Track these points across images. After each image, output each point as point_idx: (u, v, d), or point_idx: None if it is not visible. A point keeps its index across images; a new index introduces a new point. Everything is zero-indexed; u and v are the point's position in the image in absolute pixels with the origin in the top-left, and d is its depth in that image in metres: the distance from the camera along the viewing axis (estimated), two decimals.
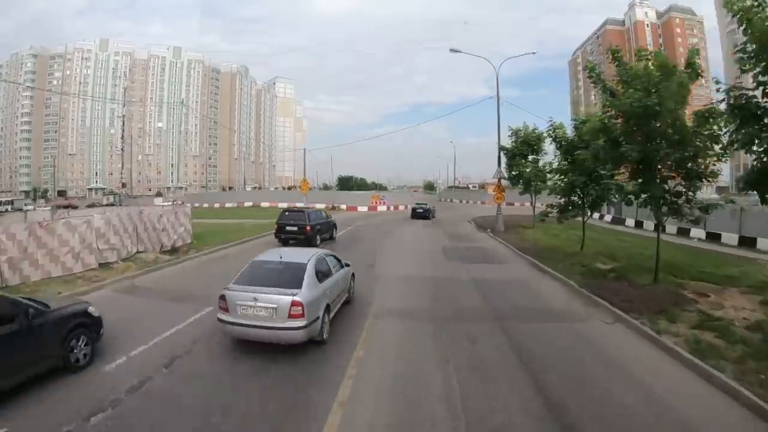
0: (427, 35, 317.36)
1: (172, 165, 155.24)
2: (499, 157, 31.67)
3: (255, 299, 8.34)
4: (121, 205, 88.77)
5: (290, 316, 8.22)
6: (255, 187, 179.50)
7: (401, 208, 57.06)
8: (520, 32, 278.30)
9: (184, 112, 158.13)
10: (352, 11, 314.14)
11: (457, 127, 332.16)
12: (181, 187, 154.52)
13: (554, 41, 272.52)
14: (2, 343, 6.59)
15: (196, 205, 61.29)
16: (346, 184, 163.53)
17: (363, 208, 56.14)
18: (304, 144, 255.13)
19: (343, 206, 56.39)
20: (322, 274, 9.80)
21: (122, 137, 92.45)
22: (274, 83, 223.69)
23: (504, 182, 33.97)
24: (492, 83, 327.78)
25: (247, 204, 63.61)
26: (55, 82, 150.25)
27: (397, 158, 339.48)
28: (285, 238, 23.19)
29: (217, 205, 62.36)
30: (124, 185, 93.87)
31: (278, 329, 8.26)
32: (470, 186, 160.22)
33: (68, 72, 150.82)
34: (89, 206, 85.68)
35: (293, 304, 8.23)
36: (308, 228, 22.67)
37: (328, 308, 9.40)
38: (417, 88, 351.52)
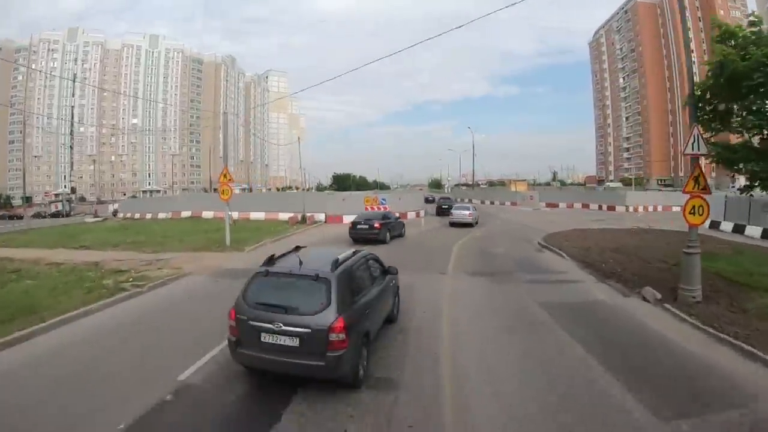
0: (428, 33, 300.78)
1: (149, 166, 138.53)
2: (694, 109, 12.57)
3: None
4: (68, 214, 73.20)
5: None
6: (244, 189, 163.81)
7: (410, 215, 37.30)
8: (521, 28, 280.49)
9: (162, 106, 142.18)
10: (352, 9, 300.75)
11: (460, 126, 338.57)
12: (158, 190, 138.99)
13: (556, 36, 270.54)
14: (383, 294, 8.41)
15: (128, 215, 48.54)
16: (343, 183, 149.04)
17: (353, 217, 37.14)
18: (302, 143, 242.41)
19: (320, 216, 36.06)
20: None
21: (71, 132, 75.49)
22: (267, 77, 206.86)
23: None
24: (494, 80, 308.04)
25: (185, 214, 44.69)
26: (20, 77, 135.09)
27: (399, 158, 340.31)
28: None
29: (149, 216, 45.47)
30: (73, 190, 77.03)
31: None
32: (483, 183, 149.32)
33: (33, 65, 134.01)
34: (35, 216, 70.35)
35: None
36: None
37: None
38: (420, 87, 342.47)
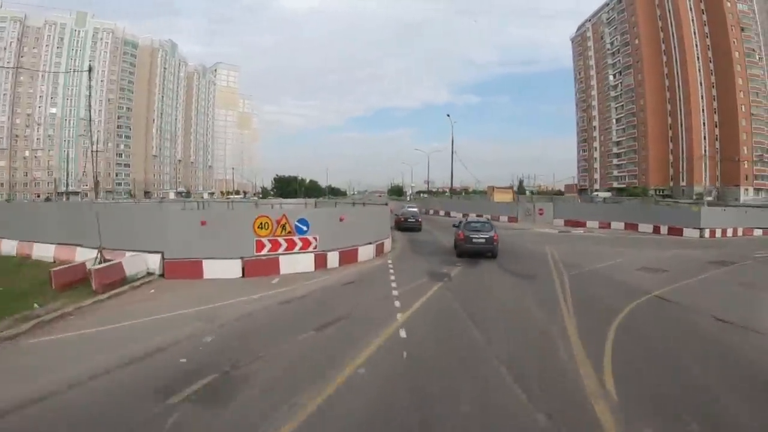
0: (392, 40, 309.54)
1: (67, 163, 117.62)
2: None
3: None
4: None
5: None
6: (181, 192, 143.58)
7: (364, 251, 20.18)
8: (485, 37, 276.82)
9: (86, 93, 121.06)
10: (315, 12, 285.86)
11: (419, 134, 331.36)
12: (77, 192, 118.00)
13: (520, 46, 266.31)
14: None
15: None
16: (287, 187, 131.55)
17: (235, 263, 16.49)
18: (256, 144, 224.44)
19: (150, 262, 15.98)
20: None
21: None
22: (215, 69, 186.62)
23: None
24: (454, 89, 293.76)
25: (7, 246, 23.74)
26: None
27: (359, 164, 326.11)
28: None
29: None
30: None
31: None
32: (450, 190, 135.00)
33: None
34: None
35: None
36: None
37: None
38: (383, 92, 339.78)
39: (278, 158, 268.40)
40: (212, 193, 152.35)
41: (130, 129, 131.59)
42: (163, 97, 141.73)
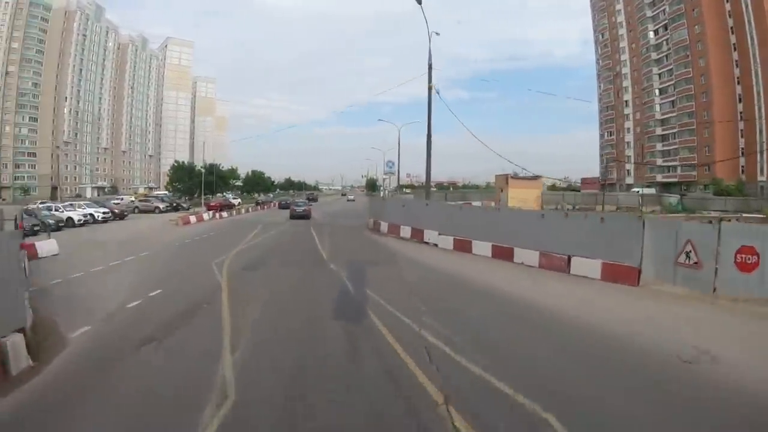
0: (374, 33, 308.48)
1: None
2: None
3: None
4: None
5: None
6: (104, 188, 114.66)
7: None
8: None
9: None
10: (298, 7, 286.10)
11: (406, 129, 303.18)
12: None
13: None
14: None
15: None
16: (256, 185, 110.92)
17: None
18: (220, 135, 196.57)
19: None
20: None
21: None
22: (166, 46, 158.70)
23: None
24: (441, 83, 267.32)
25: None
26: None
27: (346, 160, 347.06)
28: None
29: None
30: None
31: None
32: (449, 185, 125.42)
33: None
34: None
35: None
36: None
37: None
38: (365, 89, 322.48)
39: (260, 154, 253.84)
40: (151, 188, 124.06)
41: (37, 110, 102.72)
42: (82, 71, 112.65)
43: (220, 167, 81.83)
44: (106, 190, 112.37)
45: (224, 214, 46.72)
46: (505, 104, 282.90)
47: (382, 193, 79.71)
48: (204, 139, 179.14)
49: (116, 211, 40.64)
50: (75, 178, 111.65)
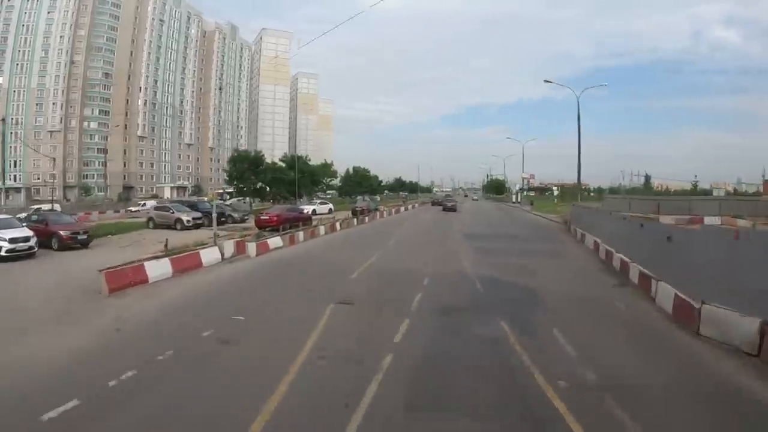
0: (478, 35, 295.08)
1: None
2: None
3: None
4: None
5: None
6: (185, 187, 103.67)
7: None
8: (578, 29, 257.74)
9: (42, 54, 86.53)
10: (401, 11, 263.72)
11: (516, 128, 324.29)
12: (18, 188, 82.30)
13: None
14: None
15: None
16: (358, 185, 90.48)
17: None
18: (323, 134, 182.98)
19: None
20: None
21: None
22: (261, 37, 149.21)
23: None
24: (547, 83, 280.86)
25: None
26: None
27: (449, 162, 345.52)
28: None
29: None
30: None
31: None
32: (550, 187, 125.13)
33: None
34: None
35: None
36: None
37: None
38: (471, 90, 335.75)
39: (365, 157, 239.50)
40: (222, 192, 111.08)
41: (108, 102, 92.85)
42: (159, 59, 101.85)
43: (307, 160, 61.67)
44: (189, 189, 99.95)
45: (300, 235, 24.75)
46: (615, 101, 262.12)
47: (514, 198, 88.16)
48: (306, 137, 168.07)
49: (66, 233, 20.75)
50: (152, 176, 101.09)
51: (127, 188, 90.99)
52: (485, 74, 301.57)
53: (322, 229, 27.89)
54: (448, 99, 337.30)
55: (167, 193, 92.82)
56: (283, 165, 57.48)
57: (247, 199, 54.48)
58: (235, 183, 54.52)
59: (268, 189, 55.30)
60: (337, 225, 31.21)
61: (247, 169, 52.35)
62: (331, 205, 51.34)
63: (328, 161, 72.37)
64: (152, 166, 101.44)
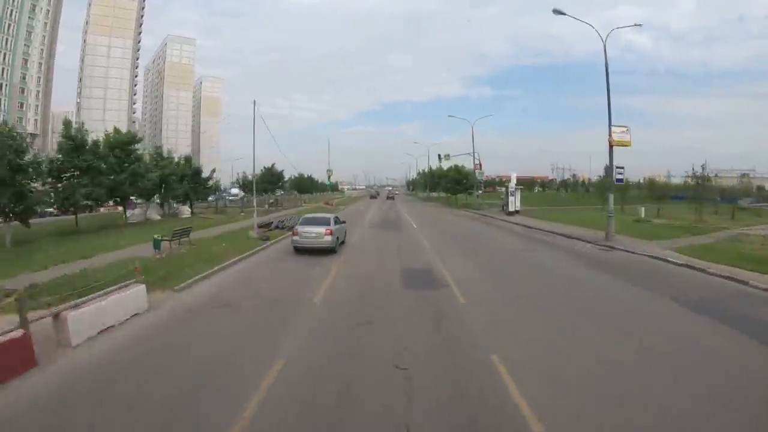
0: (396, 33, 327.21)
1: None
2: None
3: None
4: None
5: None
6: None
7: None
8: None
9: None
10: (322, 6, 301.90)
11: (427, 127, 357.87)
12: None
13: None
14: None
15: None
16: (269, 183, 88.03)
17: None
18: (217, 138, 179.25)
19: None
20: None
21: None
22: (166, 44, 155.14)
23: None
24: (468, 81, 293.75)
25: None
26: None
27: (371, 159, 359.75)
28: None
29: None
30: None
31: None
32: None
33: None
34: None
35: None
36: None
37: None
38: (390, 87, 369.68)
39: (277, 154, 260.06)
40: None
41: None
42: None
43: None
44: None
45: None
46: (530, 100, 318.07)
47: (510, 202, 46.63)
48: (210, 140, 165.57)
49: None
50: None
51: None
52: (402, 73, 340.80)
53: None
54: (361, 98, 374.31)
55: None
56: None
57: None
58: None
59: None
60: None
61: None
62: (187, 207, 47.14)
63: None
64: None
